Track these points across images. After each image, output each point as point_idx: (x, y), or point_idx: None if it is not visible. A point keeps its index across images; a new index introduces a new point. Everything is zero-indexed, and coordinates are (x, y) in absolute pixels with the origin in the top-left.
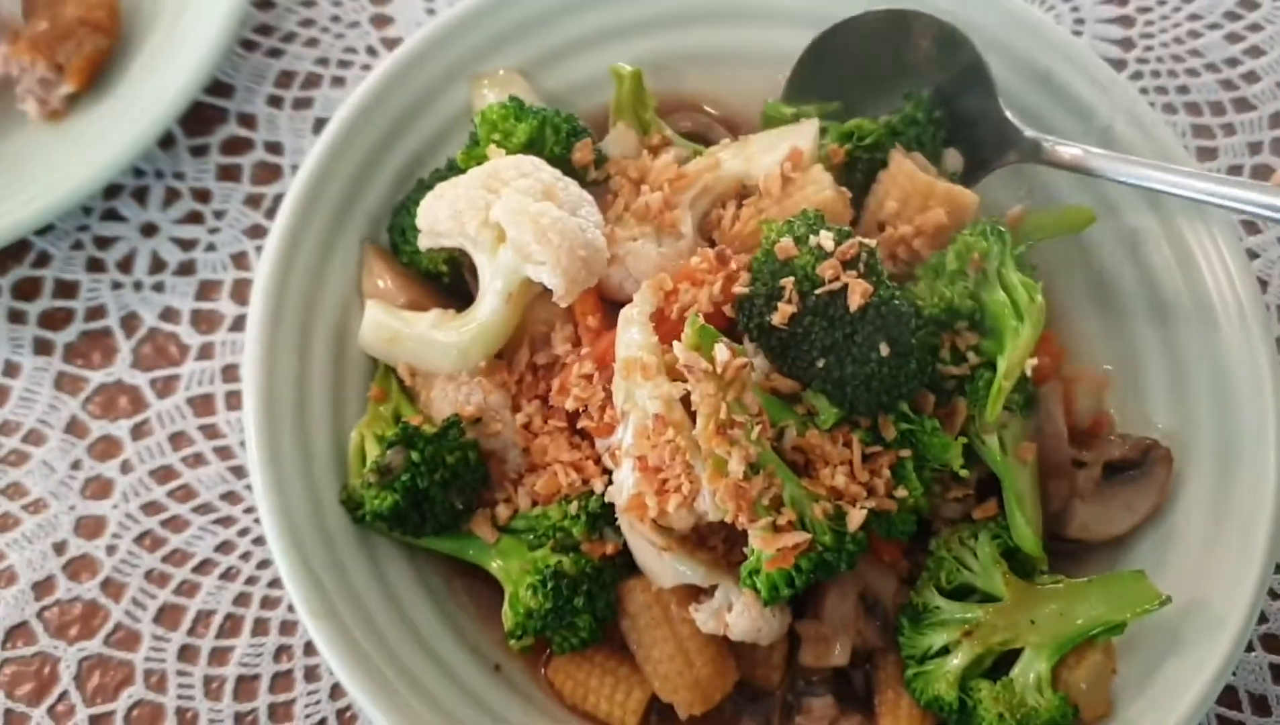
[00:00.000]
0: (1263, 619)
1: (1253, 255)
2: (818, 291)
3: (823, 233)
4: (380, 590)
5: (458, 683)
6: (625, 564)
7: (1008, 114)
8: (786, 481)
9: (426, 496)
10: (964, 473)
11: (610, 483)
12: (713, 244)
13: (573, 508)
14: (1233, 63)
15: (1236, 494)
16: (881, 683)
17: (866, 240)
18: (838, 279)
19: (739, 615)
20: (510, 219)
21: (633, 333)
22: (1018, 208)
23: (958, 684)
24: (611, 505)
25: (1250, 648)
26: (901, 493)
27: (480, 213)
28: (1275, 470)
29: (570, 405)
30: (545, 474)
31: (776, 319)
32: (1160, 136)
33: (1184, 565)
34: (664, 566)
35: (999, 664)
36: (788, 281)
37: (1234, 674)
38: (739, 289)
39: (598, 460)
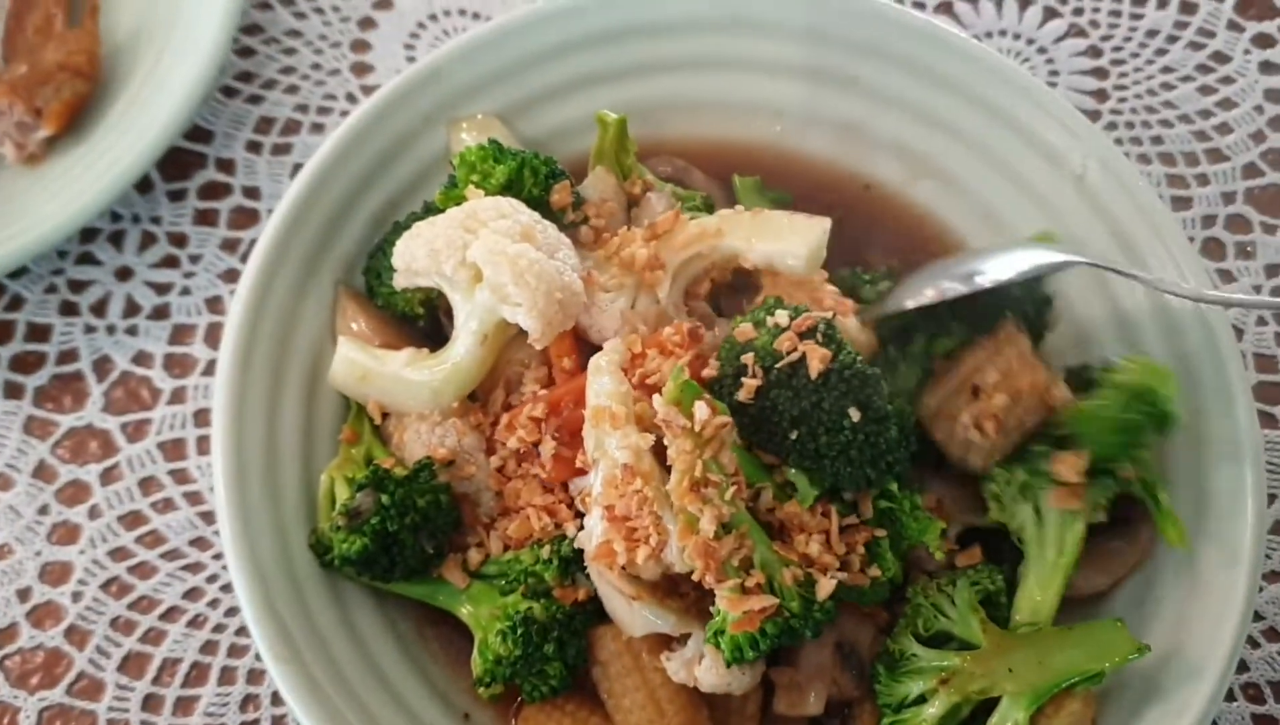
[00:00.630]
0: (1244, 668)
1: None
2: (778, 364)
3: (778, 312)
4: (347, 636)
5: None
6: (597, 610)
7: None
8: (758, 544)
9: (396, 540)
10: (940, 554)
11: (582, 527)
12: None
13: (545, 552)
14: (1206, 114)
15: (1213, 545)
16: None
17: (823, 313)
18: (795, 350)
19: (707, 670)
20: (487, 259)
21: (603, 381)
22: None
23: None
24: (584, 550)
25: (1232, 697)
26: (875, 572)
27: (457, 252)
28: (1251, 521)
29: (513, 444)
30: (518, 518)
31: (742, 395)
32: (1134, 185)
33: (1162, 614)
34: (633, 615)
35: (976, 714)
36: (748, 357)
37: (1215, 724)
38: (709, 373)
39: (571, 504)
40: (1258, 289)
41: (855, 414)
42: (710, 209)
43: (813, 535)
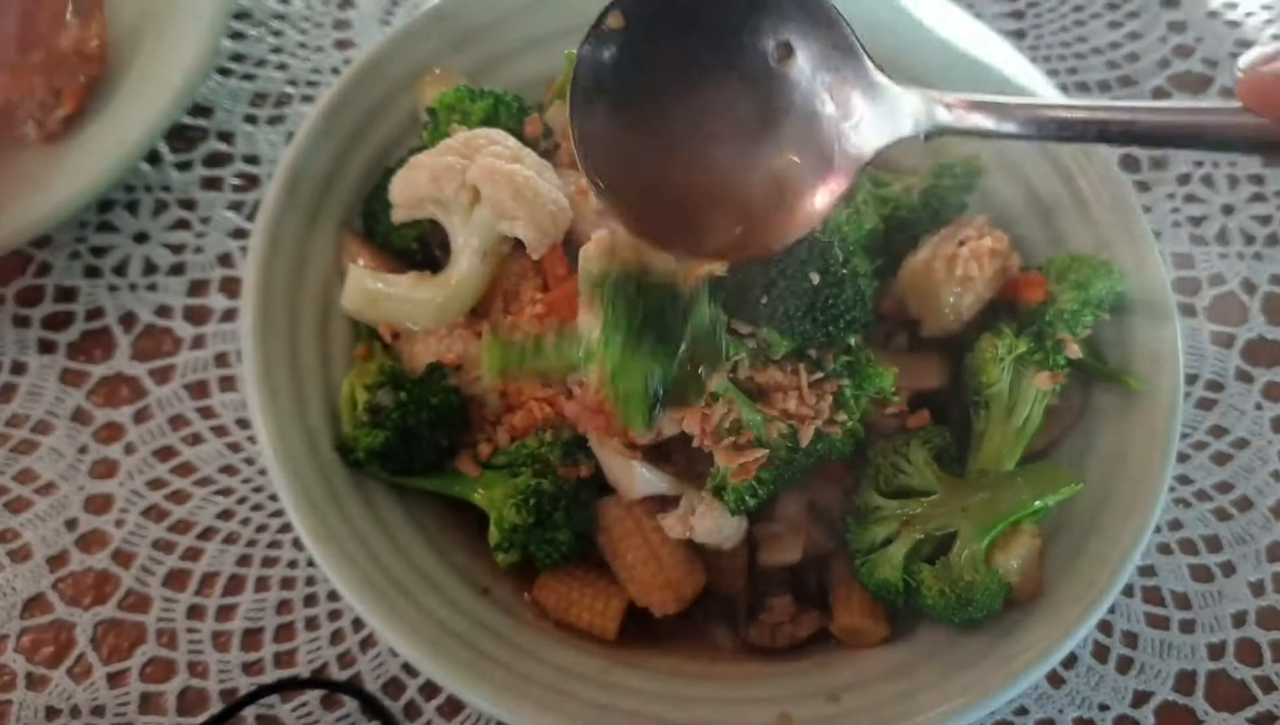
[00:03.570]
0: (1178, 526)
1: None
2: None
3: None
4: (376, 525)
5: (450, 600)
6: (599, 488)
7: (879, 76)
8: (743, 407)
9: (415, 434)
10: (895, 398)
11: None
12: None
13: (548, 436)
14: (1115, 46)
15: (1138, 403)
16: (834, 582)
17: None
18: None
19: (702, 517)
20: (486, 179)
21: (592, 267)
22: None
23: (901, 568)
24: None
25: (1169, 551)
26: (842, 416)
27: (457, 176)
28: (1168, 384)
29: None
30: (522, 411)
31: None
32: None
33: (1098, 466)
34: (633, 477)
35: (937, 555)
36: None
37: (1156, 574)
38: None
39: (569, 395)
40: (1171, 196)
41: (815, 278)
42: None
43: (788, 393)
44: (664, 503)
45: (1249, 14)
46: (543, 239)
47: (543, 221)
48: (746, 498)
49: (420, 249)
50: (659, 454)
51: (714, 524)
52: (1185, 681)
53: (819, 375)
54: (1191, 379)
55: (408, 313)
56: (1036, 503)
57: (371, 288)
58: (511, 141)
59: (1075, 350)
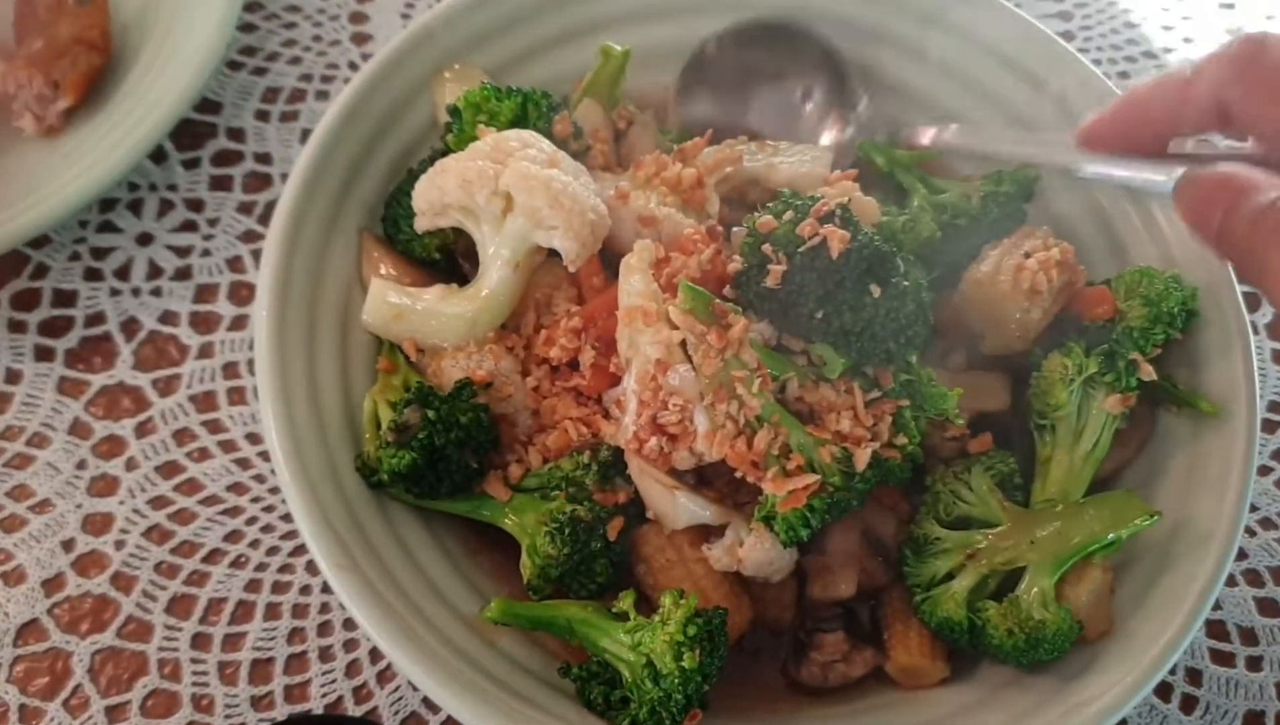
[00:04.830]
0: (1243, 555)
1: None
2: (800, 249)
3: (796, 203)
4: (399, 551)
5: (479, 633)
6: (636, 515)
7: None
8: (792, 429)
9: (443, 455)
10: (958, 421)
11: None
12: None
13: (584, 458)
14: (1168, 50)
15: (1211, 426)
16: (889, 617)
17: (840, 198)
18: (816, 234)
19: (751, 548)
20: (521, 185)
21: (634, 281)
22: None
23: (965, 604)
24: (621, 454)
25: (1233, 583)
26: (901, 439)
27: (489, 182)
28: (1244, 406)
29: (555, 354)
30: (556, 431)
31: (770, 281)
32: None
33: (1169, 493)
34: (675, 507)
35: (1002, 591)
36: (768, 247)
37: (1220, 608)
38: (734, 267)
39: (606, 415)
40: None
41: (876, 290)
42: (688, 138)
43: (842, 413)
44: (707, 531)
45: None
46: (581, 250)
47: (581, 231)
48: (799, 528)
49: (443, 258)
50: (700, 479)
51: (764, 556)
52: (1254, 722)
53: (875, 394)
54: None
55: (435, 329)
56: (1110, 535)
57: (396, 302)
58: (546, 144)
59: (1149, 371)
